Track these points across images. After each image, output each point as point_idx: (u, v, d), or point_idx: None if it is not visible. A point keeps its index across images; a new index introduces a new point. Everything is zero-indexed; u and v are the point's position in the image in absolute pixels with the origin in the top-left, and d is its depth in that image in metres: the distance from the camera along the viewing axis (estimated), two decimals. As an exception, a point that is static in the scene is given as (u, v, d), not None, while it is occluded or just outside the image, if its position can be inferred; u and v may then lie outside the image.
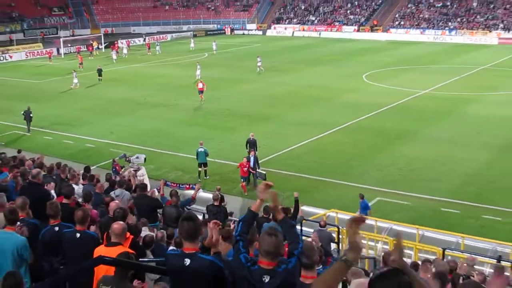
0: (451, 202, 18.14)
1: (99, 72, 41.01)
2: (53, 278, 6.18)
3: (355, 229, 3.13)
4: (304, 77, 41.69)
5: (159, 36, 71.39)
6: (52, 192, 9.92)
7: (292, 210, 12.21)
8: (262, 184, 4.68)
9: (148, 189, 13.45)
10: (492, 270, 9.87)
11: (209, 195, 15.00)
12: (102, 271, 5.61)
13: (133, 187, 13.17)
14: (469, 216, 17.25)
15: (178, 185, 17.95)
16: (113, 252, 5.78)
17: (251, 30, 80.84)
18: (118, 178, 14.70)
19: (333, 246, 12.69)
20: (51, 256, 6.76)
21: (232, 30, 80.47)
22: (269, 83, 39.71)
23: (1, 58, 55.01)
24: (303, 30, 77.18)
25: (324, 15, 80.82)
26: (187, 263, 4.51)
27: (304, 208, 14.91)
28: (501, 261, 10.75)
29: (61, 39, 60.16)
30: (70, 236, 6.59)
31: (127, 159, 18.28)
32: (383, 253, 9.97)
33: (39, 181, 9.18)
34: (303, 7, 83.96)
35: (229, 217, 13.30)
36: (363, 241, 12.71)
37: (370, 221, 13.82)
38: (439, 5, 74.74)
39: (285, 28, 78.89)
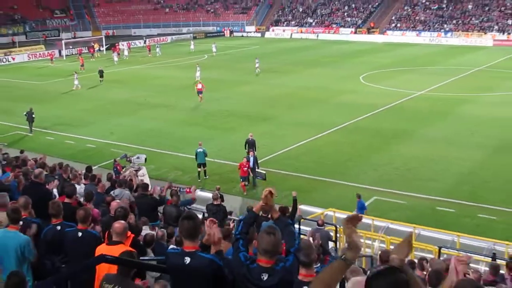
0: (446, 201, 18.26)
1: (101, 73, 41.14)
2: (55, 277, 6.24)
3: (352, 228, 3.16)
4: (302, 79, 41.78)
5: (159, 38, 71.34)
6: (55, 191, 9.99)
7: (290, 209, 12.31)
8: (267, 191, 4.72)
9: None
10: (487, 268, 10.03)
11: (209, 195, 15.12)
12: (103, 269, 5.67)
13: (135, 187, 13.30)
14: (464, 215, 17.39)
15: (179, 188, 18.12)
16: (114, 250, 5.85)
17: (250, 32, 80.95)
18: (119, 177, 14.84)
19: (331, 244, 12.82)
20: (53, 255, 6.78)
21: (231, 32, 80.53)
22: (268, 84, 39.77)
23: (4, 60, 55.01)
24: (301, 32, 77.21)
25: (321, 17, 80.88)
26: (187, 262, 4.55)
27: (302, 207, 15.02)
28: (496, 259, 10.91)
29: (63, 41, 60.21)
30: (72, 235, 6.64)
31: (128, 159, 18.36)
32: (380, 252, 10.09)
33: (41, 180, 9.20)
34: (301, 10, 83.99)
35: (228, 216, 13.45)
36: (361, 240, 12.80)
37: (367, 220, 13.96)
38: (434, 7, 74.81)
39: (283, 30, 78.98)
